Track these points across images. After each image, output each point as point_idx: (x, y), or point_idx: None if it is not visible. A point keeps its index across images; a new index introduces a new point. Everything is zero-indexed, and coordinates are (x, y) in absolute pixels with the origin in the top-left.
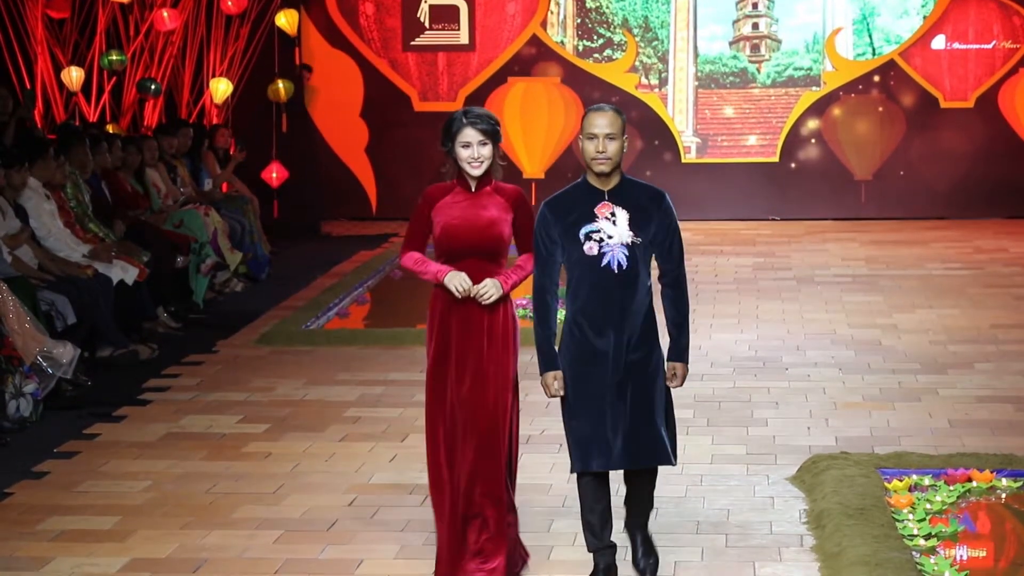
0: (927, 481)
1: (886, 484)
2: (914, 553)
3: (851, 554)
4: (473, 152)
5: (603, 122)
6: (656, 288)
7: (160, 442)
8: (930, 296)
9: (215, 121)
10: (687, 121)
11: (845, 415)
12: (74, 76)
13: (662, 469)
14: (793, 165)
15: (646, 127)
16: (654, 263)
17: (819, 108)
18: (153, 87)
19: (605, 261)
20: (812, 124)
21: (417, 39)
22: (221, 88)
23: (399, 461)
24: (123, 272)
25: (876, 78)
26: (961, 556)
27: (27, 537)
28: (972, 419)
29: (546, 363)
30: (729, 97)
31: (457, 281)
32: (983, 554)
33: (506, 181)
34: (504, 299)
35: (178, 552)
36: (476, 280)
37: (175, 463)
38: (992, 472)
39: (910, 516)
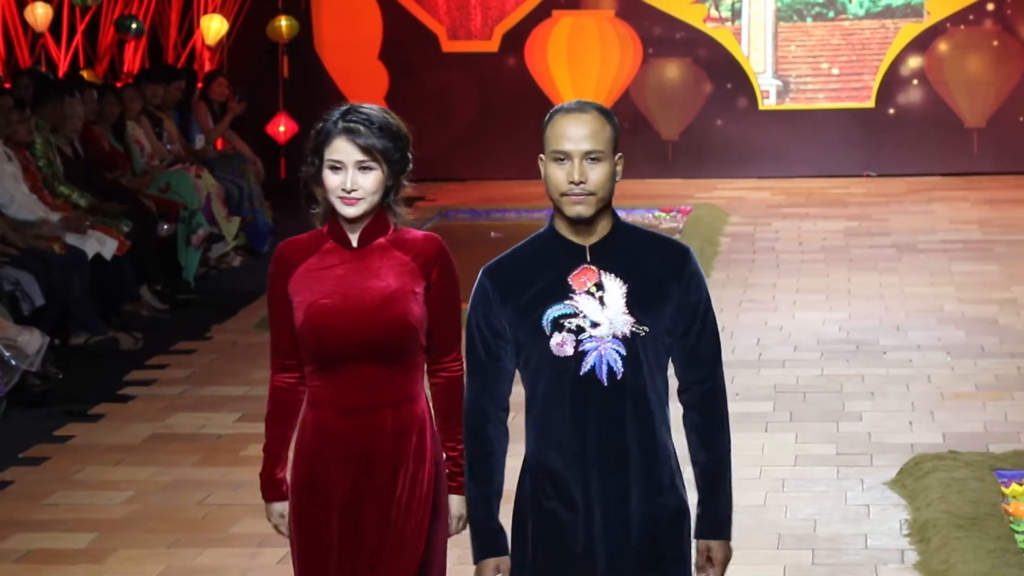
0: None
1: (1003, 489)
2: None
3: (961, 571)
4: (345, 179)
5: (579, 132)
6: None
7: (144, 445)
8: None
9: (208, 66)
10: (765, 61)
11: (954, 407)
12: (39, 13)
13: (736, 471)
14: (891, 111)
15: (716, 68)
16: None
17: (922, 43)
18: (134, 26)
19: (587, 366)
20: (914, 62)
21: None
22: (214, 27)
23: None
24: (100, 245)
25: (989, 6)
26: None
27: None
28: None
29: (483, 544)
30: (815, 31)
31: (274, 523)
32: None
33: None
34: (418, 430)
35: (166, 574)
36: (371, 414)
37: (162, 470)
38: None
39: None
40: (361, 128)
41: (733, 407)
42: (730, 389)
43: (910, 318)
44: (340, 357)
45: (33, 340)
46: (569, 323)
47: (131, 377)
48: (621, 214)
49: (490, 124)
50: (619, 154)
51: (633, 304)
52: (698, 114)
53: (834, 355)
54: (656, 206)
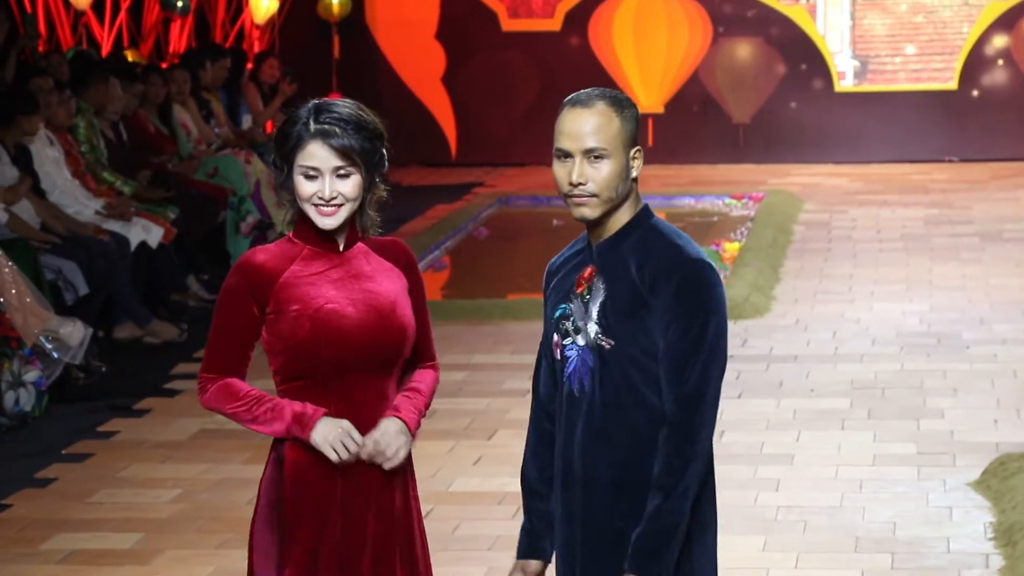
0: None
1: None
2: None
3: None
4: (323, 187)
5: (579, 128)
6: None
7: (192, 441)
8: None
9: (257, 46)
10: (842, 40)
11: None
12: None
13: (811, 471)
14: (975, 93)
15: (790, 48)
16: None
17: (1008, 22)
18: (180, 4)
19: (566, 372)
20: (999, 42)
21: None
22: (264, 5)
23: (485, 464)
24: (145, 232)
25: None
26: None
27: (28, 559)
28: None
29: (518, 544)
30: (895, 9)
31: (338, 436)
32: None
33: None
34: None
35: None
36: (367, 421)
37: (210, 467)
38: None
39: None
40: (337, 129)
41: (808, 403)
42: (805, 384)
43: (994, 310)
44: (348, 366)
45: (76, 332)
46: (563, 325)
47: (178, 370)
48: (689, 201)
49: (552, 107)
50: (636, 147)
51: (604, 314)
52: (771, 96)
53: (914, 349)
54: (727, 192)
